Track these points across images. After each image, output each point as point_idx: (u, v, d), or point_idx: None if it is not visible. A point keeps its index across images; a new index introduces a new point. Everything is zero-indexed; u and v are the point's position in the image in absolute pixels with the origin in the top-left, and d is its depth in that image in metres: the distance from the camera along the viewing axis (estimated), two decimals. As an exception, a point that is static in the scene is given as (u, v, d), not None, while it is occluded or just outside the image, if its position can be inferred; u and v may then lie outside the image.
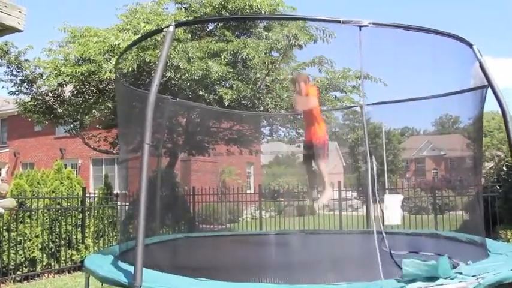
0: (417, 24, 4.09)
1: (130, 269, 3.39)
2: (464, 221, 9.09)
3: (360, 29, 3.74)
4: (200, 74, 8.23)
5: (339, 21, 3.80)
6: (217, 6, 9.04)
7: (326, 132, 5.41)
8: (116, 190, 10.82)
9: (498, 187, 9.52)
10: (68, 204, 8.58)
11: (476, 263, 3.75)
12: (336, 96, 10.06)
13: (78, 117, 11.40)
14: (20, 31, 3.93)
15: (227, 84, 8.94)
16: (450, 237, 5.82)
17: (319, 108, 5.51)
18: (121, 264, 4.03)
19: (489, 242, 5.02)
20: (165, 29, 3.92)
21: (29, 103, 11.17)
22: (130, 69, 8.02)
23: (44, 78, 10.39)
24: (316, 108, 5.43)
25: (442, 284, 3.14)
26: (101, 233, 9.17)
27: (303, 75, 5.85)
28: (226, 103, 8.36)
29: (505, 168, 9.99)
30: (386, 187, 18.20)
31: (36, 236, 7.92)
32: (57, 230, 8.30)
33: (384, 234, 4.29)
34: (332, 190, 5.11)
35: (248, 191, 17.88)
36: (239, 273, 3.49)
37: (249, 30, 9.51)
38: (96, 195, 9.67)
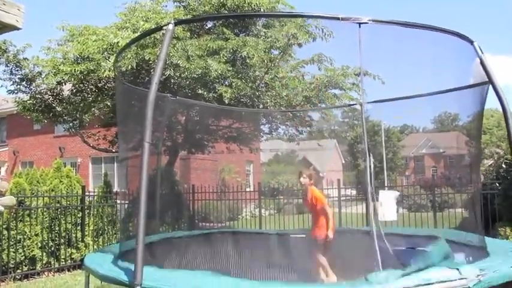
0: (417, 21, 4.09)
1: (131, 267, 3.39)
2: (463, 219, 9.09)
3: (360, 26, 3.74)
4: (199, 72, 8.22)
5: (338, 18, 3.80)
6: (215, 4, 9.02)
7: (332, 226, 5.50)
8: (116, 188, 10.80)
9: (497, 184, 9.52)
10: (68, 202, 8.58)
11: (476, 261, 3.75)
12: (335, 94, 10.03)
13: (77, 115, 11.38)
14: (18, 29, 3.89)
15: (226, 82, 8.92)
16: (450, 239, 5.82)
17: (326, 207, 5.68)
18: (121, 262, 4.03)
19: (489, 239, 5.02)
20: (164, 27, 3.91)
21: (28, 102, 11.15)
22: (129, 67, 8.00)
23: (42, 76, 10.36)
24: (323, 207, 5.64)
25: (442, 281, 3.15)
26: (100, 232, 9.16)
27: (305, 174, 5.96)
28: (226, 101, 8.35)
29: (504, 166, 9.99)
30: (386, 185, 18.22)
31: (36, 235, 7.92)
32: (57, 228, 8.30)
33: (383, 232, 4.30)
34: (335, 277, 5.29)
35: (248, 189, 17.89)
36: (239, 271, 3.49)
37: (248, 28, 9.49)
38: (95, 193, 9.66)
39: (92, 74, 8.98)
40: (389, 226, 6.73)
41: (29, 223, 7.84)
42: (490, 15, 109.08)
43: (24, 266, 7.71)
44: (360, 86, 8.81)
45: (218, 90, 8.54)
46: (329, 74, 9.63)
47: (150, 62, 8.23)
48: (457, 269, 3.35)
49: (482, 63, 4.47)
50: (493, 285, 3.42)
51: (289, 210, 14.46)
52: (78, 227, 8.70)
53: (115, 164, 22.29)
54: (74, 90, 10.60)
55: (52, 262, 8.19)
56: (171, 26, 3.81)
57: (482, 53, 4.47)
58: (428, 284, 3.17)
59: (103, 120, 11.67)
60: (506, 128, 4.46)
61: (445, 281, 3.22)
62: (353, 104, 9.50)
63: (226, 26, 9.02)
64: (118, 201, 9.77)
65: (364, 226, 9.35)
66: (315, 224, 5.63)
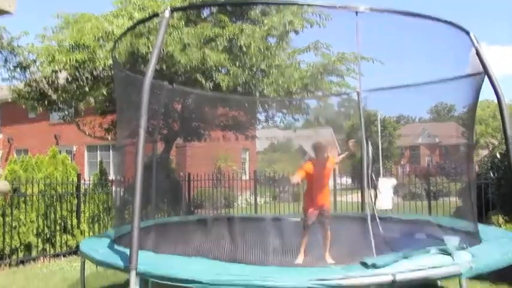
0: (413, 11, 4.09)
1: (126, 252, 3.41)
2: (457, 207, 9.16)
3: (357, 14, 3.75)
4: (196, 63, 8.19)
5: (335, 7, 3.80)
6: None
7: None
8: (111, 176, 10.78)
9: (492, 174, 9.56)
10: (63, 190, 8.58)
11: (468, 248, 3.80)
12: (332, 80, 10.02)
13: (73, 103, 11.32)
14: (10, 14, 3.86)
15: (223, 70, 8.89)
16: (443, 223, 5.88)
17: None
18: (117, 247, 4.06)
19: (481, 226, 5.08)
20: (160, 14, 3.89)
21: (23, 90, 11.07)
22: (123, 60, 7.99)
23: (37, 64, 10.29)
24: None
25: (435, 267, 3.20)
26: (96, 218, 9.19)
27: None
28: (224, 89, 8.34)
29: (498, 156, 10.03)
30: (381, 174, 18.33)
31: (32, 221, 7.94)
32: (53, 215, 8.31)
33: (378, 219, 4.34)
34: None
35: (243, 177, 17.91)
36: (234, 255, 3.53)
37: (244, 16, 9.44)
38: (90, 181, 9.66)
39: (87, 63, 8.92)
40: (384, 212, 6.80)
41: (24, 210, 7.84)
42: (484, 5, 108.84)
43: (20, 252, 7.74)
44: (358, 74, 8.82)
45: (216, 78, 8.52)
46: (326, 61, 9.60)
47: (143, 55, 8.19)
48: (450, 255, 3.40)
49: (478, 53, 4.49)
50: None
51: (284, 198, 14.53)
52: (74, 214, 8.72)
53: (110, 151, 22.26)
54: (70, 79, 10.51)
55: (48, 249, 8.22)
56: (167, 13, 3.80)
57: (478, 43, 4.48)
58: (422, 269, 3.21)
59: (99, 108, 11.62)
60: (500, 118, 4.50)
61: (438, 267, 3.26)
62: (350, 93, 9.51)
63: (223, 13, 8.97)
64: (113, 189, 9.78)
65: (360, 212, 9.42)
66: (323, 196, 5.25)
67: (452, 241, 3.54)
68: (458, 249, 3.46)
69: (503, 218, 8.33)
